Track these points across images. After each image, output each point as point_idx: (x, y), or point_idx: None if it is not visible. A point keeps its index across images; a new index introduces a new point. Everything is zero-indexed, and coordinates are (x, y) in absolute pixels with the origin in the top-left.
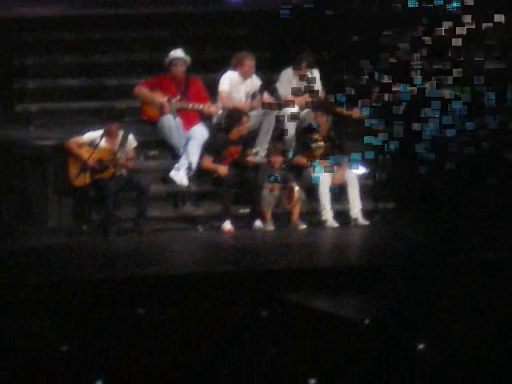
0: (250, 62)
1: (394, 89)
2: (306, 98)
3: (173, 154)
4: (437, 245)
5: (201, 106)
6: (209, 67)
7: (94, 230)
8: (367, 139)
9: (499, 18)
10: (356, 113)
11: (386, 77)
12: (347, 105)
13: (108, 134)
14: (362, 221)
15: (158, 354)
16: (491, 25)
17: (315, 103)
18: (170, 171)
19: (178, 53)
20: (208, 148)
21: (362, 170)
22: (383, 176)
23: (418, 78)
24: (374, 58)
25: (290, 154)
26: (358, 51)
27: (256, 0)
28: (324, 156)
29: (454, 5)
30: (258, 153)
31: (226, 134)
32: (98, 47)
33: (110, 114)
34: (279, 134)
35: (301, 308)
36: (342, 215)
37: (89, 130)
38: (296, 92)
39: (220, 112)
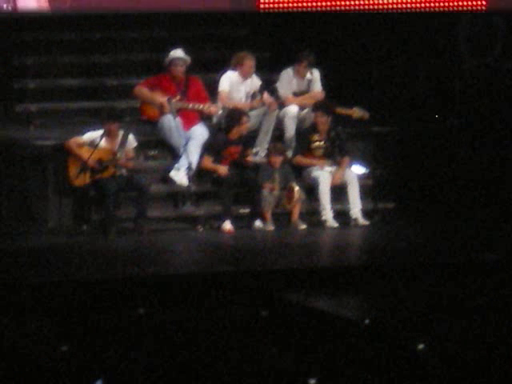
0: (249, 62)
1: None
2: (306, 97)
3: (173, 154)
4: (437, 245)
5: (201, 106)
6: (209, 67)
7: (93, 230)
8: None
9: None
10: (356, 113)
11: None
12: (347, 105)
13: (108, 134)
14: (362, 221)
15: (158, 354)
16: None
17: (315, 103)
18: (169, 171)
19: (177, 53)
20: (208, 148)
21: (361, 169)
22: (383, 176)
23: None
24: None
25: (290, 154)
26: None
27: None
28: (324, 156)
29: None
30: (258, 153)
31: (226, 134)
32: (97, 47)
33: (109, 114)
34: (279, 134)
35: (301, 308)
36: (342, 215)
37: (89, 130)
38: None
39: (220, 112)
